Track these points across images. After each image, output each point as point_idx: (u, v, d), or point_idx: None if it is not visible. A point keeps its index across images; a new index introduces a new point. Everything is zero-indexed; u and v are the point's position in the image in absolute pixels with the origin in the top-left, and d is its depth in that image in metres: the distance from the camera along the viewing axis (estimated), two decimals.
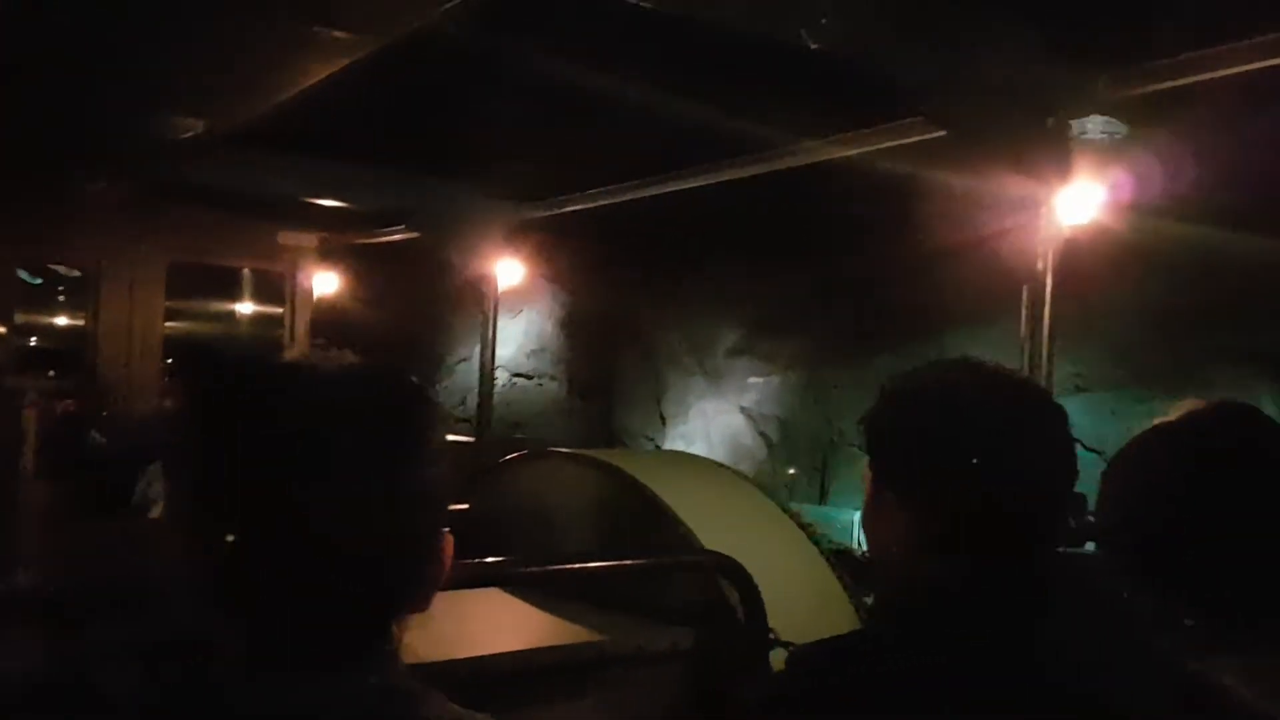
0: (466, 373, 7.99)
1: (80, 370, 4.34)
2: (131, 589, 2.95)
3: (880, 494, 1.42)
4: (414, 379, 1.17)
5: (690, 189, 4.84)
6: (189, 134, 3.98)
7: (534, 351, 7.92)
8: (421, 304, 7.99)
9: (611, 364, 7.22)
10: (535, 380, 8.35)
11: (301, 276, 6.90)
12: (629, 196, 5.23)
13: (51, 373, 3.50)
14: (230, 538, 1.05)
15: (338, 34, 2.99)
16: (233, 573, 1.05)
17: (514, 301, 7.21)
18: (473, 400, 7.06)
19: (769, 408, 7.07)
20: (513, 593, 3.65)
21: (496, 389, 6.89)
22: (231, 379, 1.11)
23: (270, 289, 7.20)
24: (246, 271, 7.37)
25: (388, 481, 1.09)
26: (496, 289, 6.10)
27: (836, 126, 4.14)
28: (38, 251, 6.19)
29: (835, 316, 6.54)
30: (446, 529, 1.15)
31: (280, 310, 7.12)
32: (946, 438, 1.37)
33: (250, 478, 1.05)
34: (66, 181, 5.17)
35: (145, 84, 3.62)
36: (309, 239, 6.84)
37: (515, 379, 8.02)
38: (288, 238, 6.74)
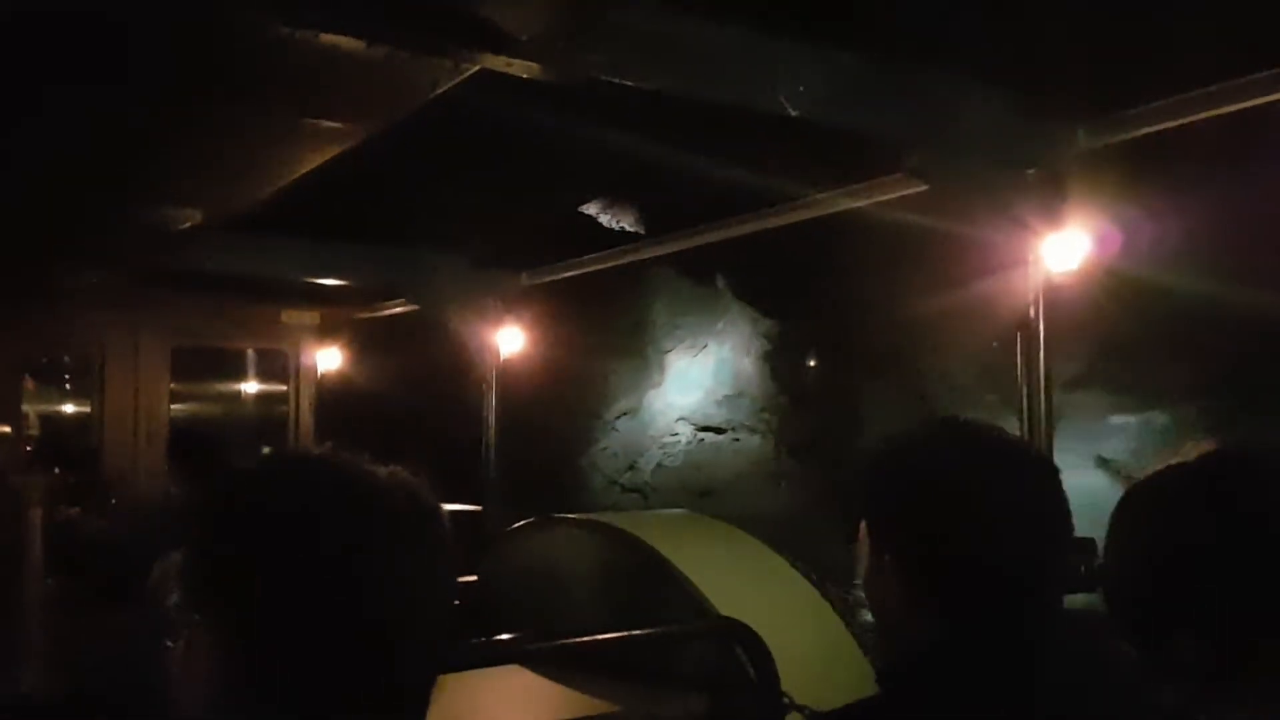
0: (634, 429, 6.28)
1: (87, 464, 4.36)
2: (135, 688, 2.94)
3: (877, 556, 1.43)
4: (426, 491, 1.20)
5: None
6: (186, 224, 4.05)
7: (728, 398, 5.79)
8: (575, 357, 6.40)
9: (849, 409, 5.16)
10: (730, 435, 6.22)
11: (304, 354, 6.96)
12: (627, 260, 5.29)
13: (57, 469, 3.52)
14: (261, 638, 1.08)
15: (330, 124, 3.06)
16: (262, 670, 1.08)
17: (696, 332, 5.85)
18: (646, 463, 6.03)
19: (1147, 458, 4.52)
20: (526, 664, 3.64)
21: (678, 446, 5.86)
22: (265, 489, 1.14)
23: (274, 367, 7.26)
24: (250, 351, 7.44)
25: (418, 585, 1.13)
26: (499, 358, 6.14)
27: (829, 183, 4.20)
28: (41, 348, 6.27)
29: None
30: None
31: (284, 388, 7.16)
32: (935, 499, 1.39)
33: (290, 584, 1.08)
34: (66, 274, 5.24)
35: (141, 178, 3.70)
36: (310, 316, 6.90)
37: (702, 434, 5.93)
38: (289, 316, 6.81)
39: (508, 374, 6.11)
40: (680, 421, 6.01)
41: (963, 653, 1.34)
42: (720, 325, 5.72)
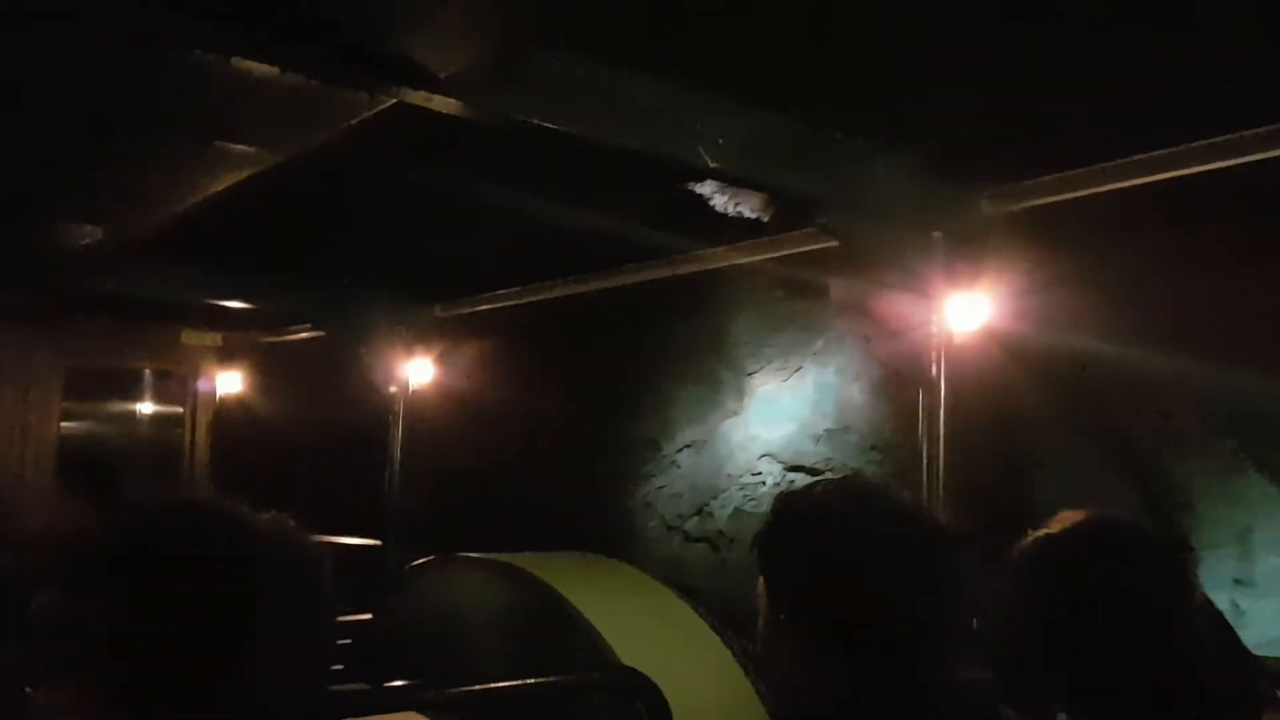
0: (703, 466, 5.01)
1: None
2: None
3: (772, 613, 1.44)
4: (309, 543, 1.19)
5: None
6: (86, 241, 3.91)
7: (829, 432, 4.56)
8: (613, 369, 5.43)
9: (996, 454, 3.68)
10: (829, 478, 3.91)
11: (204, 377, 6.77)
12: (539, 297, 5.29)
13: None
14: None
15: (239, 148, 3.00)
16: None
17: (789, 352, 4.59)
18: (721, 507, 4.86)
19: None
20: (422, 711, 3.55)
21: (762, 489, 4.68)
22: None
23: (172, 389, 7.03)
24: (147, 372, 7.19)
25: (293, 636, 1.11)
26: (407, 389, 6.05)
27: (741, 234, 4.27)
28: None
29: None
30: None
31: (181, 410, 6.95)
32: (828, 563, 1.40)
33: (165, 637, 1.05)
34: None
35: (39, 193, 3.56)
36: (212, 339, 6.73)
37: (793, 474, 4.66)
38: (190, 338, 6.63)
39: (425, 405, 5.98)
40: (765, 459, 4.76)
41: (845, 716, 1.35)
42: (820, 345, 4.59)
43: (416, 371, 5.95)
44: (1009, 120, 3.02)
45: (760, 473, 4.78)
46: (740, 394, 4.89)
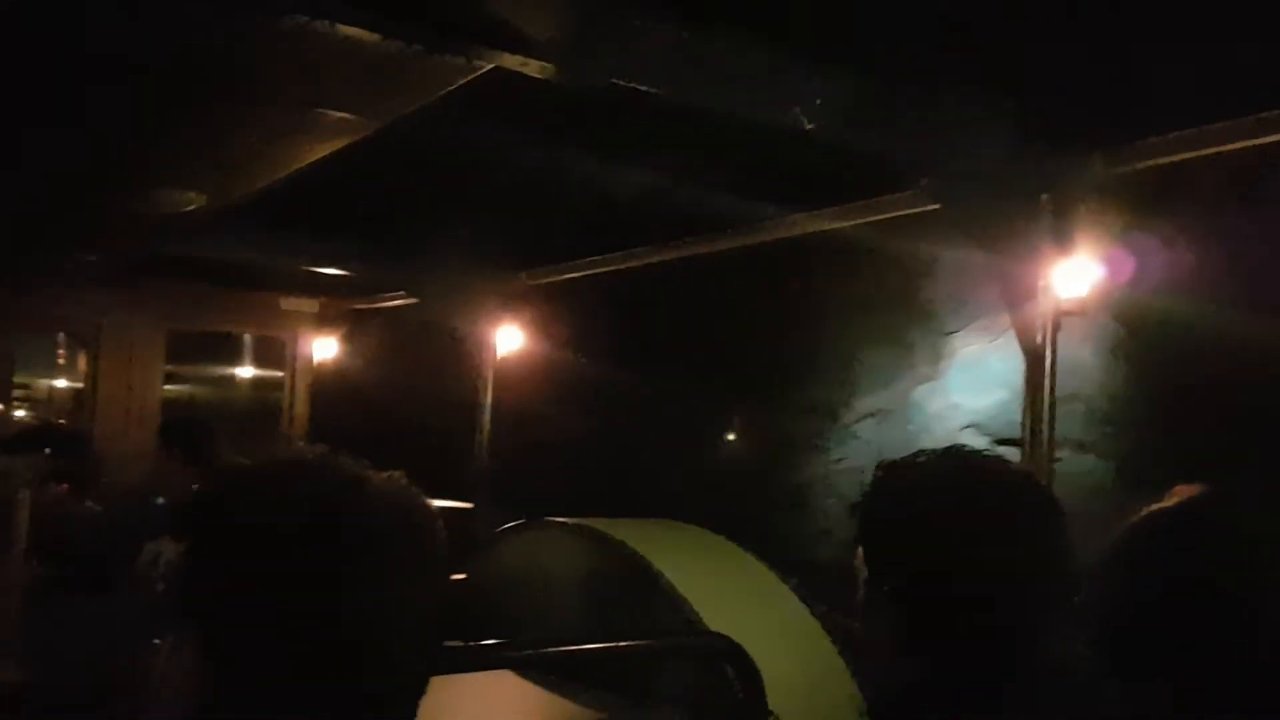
0: (890, 438, 4.48)
1: (77, 446, 4.32)
2: (113, 679, 2.90)
3: (872, 584, 1.41)
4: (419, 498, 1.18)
5: None
6: (189, 208, 4.02)
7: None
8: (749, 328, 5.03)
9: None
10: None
11: (302, 342, 6.93)
12: (628, 265, 5.26)
13: (48, 450, 3.49)
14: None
15: (339, 115, 3.04)
16: (238, 677, 1.06)
17: (998, 308, 3.81)
18: None
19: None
20: (519, 672, 3.61)
21: None
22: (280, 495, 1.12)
23: (271, 354, 7.23)
24: (247, 337, 7.41)
25: (404, 596, 1.11)
26: (495, 356, 6.12)
27: (837, 199, 4.19)
28: (36, 324, 6.23)
29: None
30: None
31: (280, 374, 7.14)
32: (925, 531, 1.37)
33: (272, 593, 1.06)
34: (65, 253, 5.21)
35: (144, 161, 3.66)
36: (309, 305, 6.88)
37: (1003, 448, 3.92)
38: (289, 304, 6.78)
39: (515, 371, 6.01)
40: (968, 430, 4.18)
41: (943, 695, 1.32)
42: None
43: (506, 337, 6.01)
44: (1120, 78, 2.89)
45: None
46: (936, 356, 4.38)
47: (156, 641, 1.15)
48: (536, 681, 3.68)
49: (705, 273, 5.05)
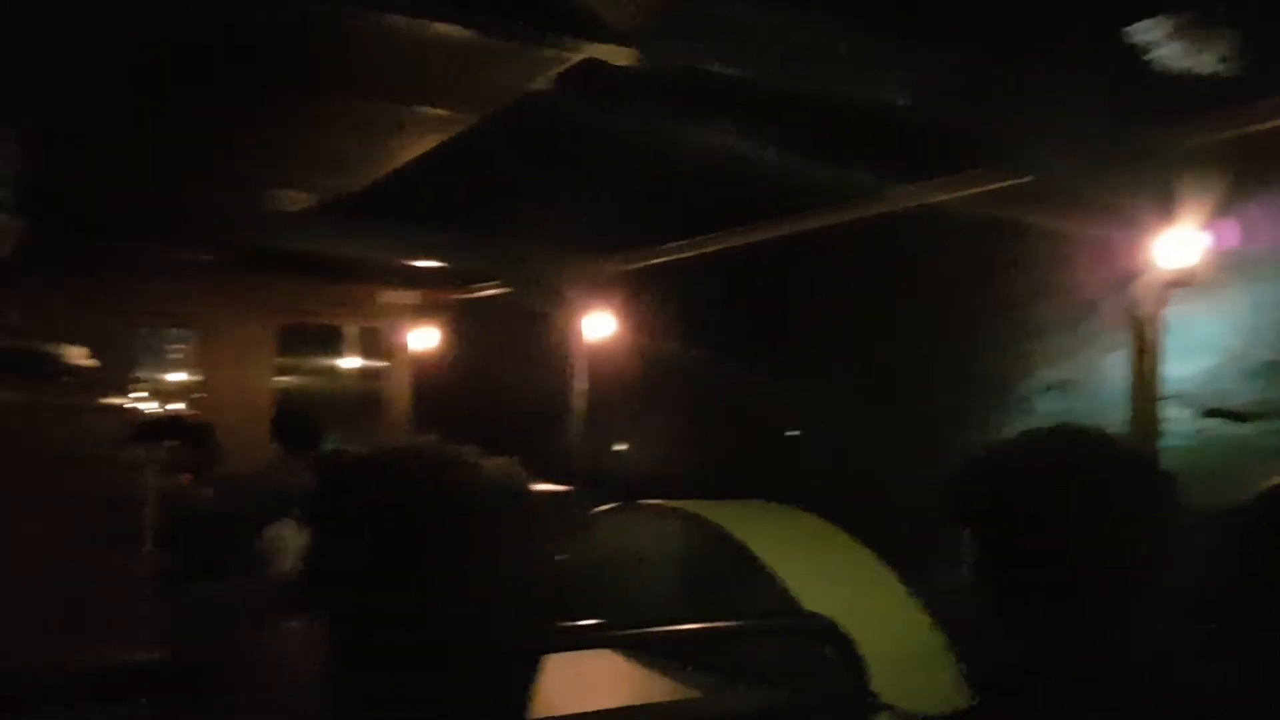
0: (1077, 412, 3.98)
1: (198, 435, 4.54)
2: (236, 660, 3.05)
3: (976, 564, 1.41)
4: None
5: None
6: (297, 206, 4.18)
7: (1269, 366, 3.53)
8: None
9: None
10: (1266, 425, 3.82)
11: (401, 332, 7.11)
12: (717, 247, 5.26)
13: (171, 442, 3.67)
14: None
15: (437, 112, 3.12)
16: (359, 654, 1.12)
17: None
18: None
19: None
20: (618, 651, 3.67)
21: (1166, 441, 3.54)
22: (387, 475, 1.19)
23: (372, 345, 7.45)
24: (349, 329, 7.66)
25: (516, 577, 1.16)
26: (588, 341, 6.20)
27: (926, 174, 4.13)
28: (154, 319, 6.55)
29: None
30: None
31: (381, 364, 7.34)
32: (1029, 511, 1.36)
33: (391, 574, 1.11)
34: (181, 251, 5.47)
35: (256, 163, 3.82)
36: (409, 296, 7.05)
37: (1208, 420, 3.68)
38: (388, 295, 6.96)
39: (612, 355, 6.07)
40: (1171, 401, 3.56)
41: (1051, 675, 1.31)
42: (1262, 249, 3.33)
43: (599, 322, 6.08)
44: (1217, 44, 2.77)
45: (1163, 420, 3.49)
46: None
47: (289, 623, 1.21)
48: (634, 660, 3.74)
49: (820, 249, 4.93)
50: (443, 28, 2.55)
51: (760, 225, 4.95)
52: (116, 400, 2.99)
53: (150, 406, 7.13)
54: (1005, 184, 3.71)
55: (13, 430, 2.52)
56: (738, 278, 5.58)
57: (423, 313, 7.13)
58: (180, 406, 6.59)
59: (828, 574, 3.96)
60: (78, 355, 2.87)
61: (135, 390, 6.38)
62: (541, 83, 2.97)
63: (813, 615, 3.23)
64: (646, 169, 4.34)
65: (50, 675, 2.32)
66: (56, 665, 2.39)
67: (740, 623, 3.23)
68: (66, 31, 2.63)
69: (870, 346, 5.02)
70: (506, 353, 7.00)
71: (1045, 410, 4.29)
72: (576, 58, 2.77)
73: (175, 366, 7.54)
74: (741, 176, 4.36)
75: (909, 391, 4.84)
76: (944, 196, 4.13)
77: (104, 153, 3.54)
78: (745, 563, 3.93)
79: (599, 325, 6.08)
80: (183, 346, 7.67)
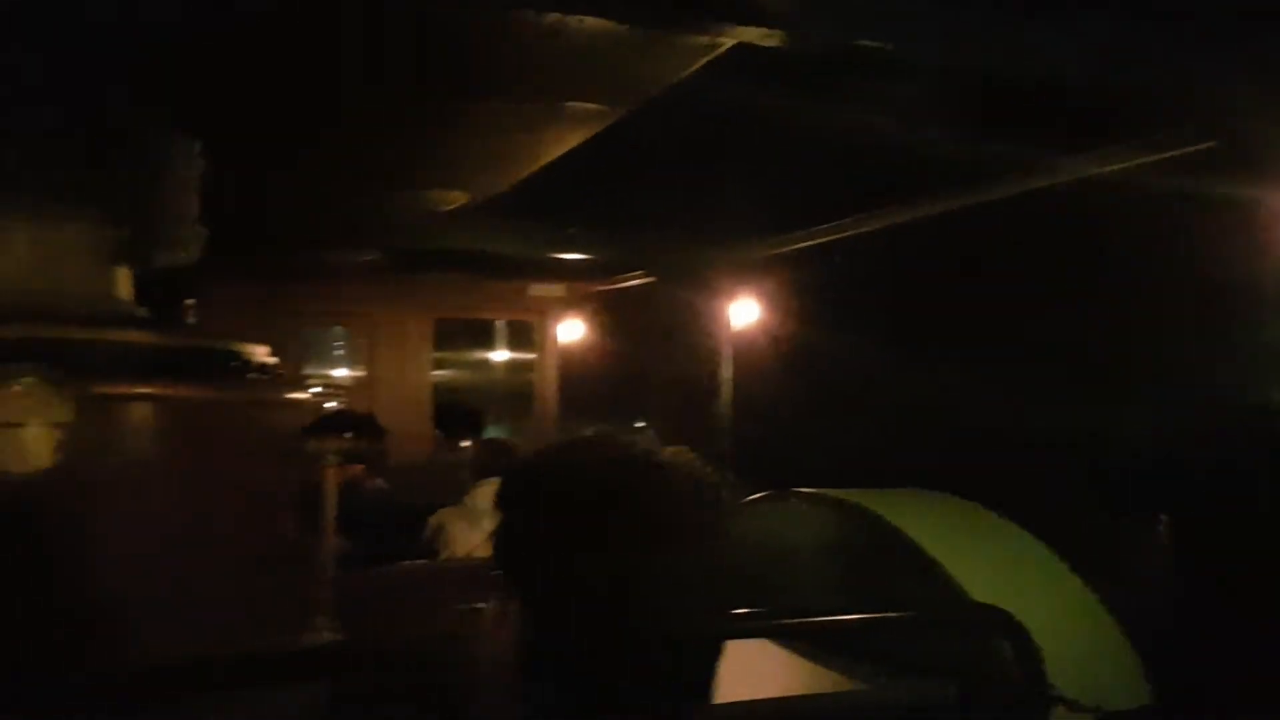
0: None
1: (370, 428, 4.75)
2: (416, 641, 3.17)
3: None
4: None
5: None
6: (453, 206, 4.30)
7: None
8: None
9: None
10: None
11: (550, 325, 7.25)
12: (871, 227, 5.13)
13: (348, 434, 3.86)
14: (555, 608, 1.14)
15: (589, 106, 3.15)
16: (549, 640, 1.14)
17: None
18: None
19: None
20: (777, 641, 3.65)
21: None
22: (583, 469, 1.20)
23: (522, 337, 7.63)
24: (499, 322, 7.86)
25: (709, 559, 1.17)
26: (733, 328, 6.17)
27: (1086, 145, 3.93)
28: (321, 318, 6.89)
29: None
30: None
31: (531, 356, 7.50)
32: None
33: (579, 561, 1.13)
34: (345, 251, 5.73)
35: (414, 165, 3.95)
36: (556, 289, 7.18)
37: None
38: (536, 289, 7.11)
39: (757, 342, 6.03)
40: None
41: (1237, 671, 1.22)
42: None
43: (744, 309, 6.05)
44: None
45: None
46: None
47: (479, 605, 1.25)
48: (793, 651, 3.70)
49: (975, 228, 4.77)
50: (595, 22, 2.57)
51: (913, 205, 4.80)
52: (296, 396, 3.15)
53: (322, 402, 7.48)
54: (1179, 152, 3.50)
55: (208, 424, 2.69)
56: (887, 260, 5.45)
57: (570, 305, 7.25)
58: (347, 401, 6.89)
59: (995, 564, 3.82)
60: (261, 354, 3.03)
61: (308, 386, 6.72)
62: (690, 71, 2.96)
63: (985, 606, 3.13)
64: (795, 153, 4.28)
65: (242, 656, 2.46)
66: (248, 646, 2.52)
67: (909, 614, 3.15)
68: (242, 46, 2.77)
69: (1034, 328, 4.80)
70: (653, 342, 7.04)
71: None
72: (728, 43, 2.75)
73: (339, 363, 7.89)
74: (891, 156, 4.25)
75: (1082, 376, 4.54)
76: (1109, 168, 3.92)
77: (275, 161, 3.72)
78: (906, 552, 3.83)
79: (746, 312, 6.05)
80: (344, 343, 8.02)
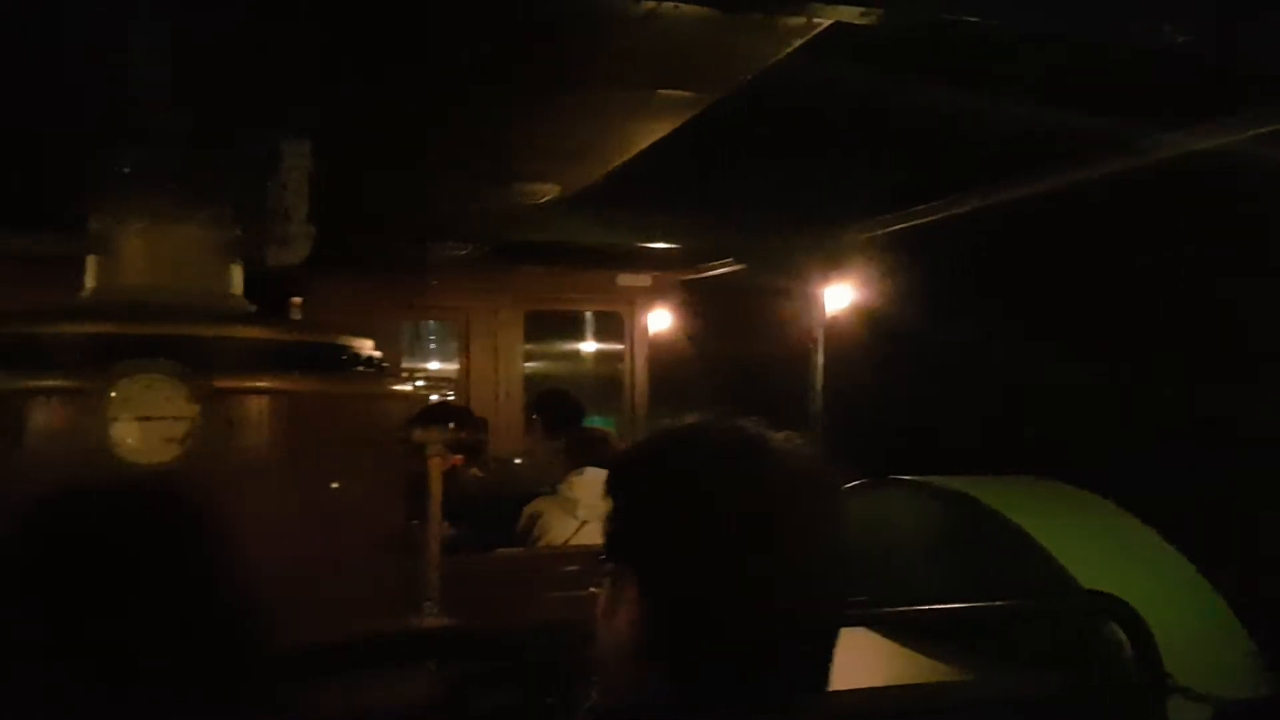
0: None
1: (471, 420, 4.85)
2: (516, 622, 3.23)
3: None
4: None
5: None
6: (544, 199, 4.35)
7: None
8: None
9: None
10: None
11: (638, 315, 7.28)
12: (970, 208, 5.02)
13: (451, 424, 3.94)
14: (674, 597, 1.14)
15: (681, 94, 3.16)
16: (664, 623, 1.15)
17: None
18: None
19: None
20: (878, 630, 3.62)
21: None
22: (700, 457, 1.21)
23: (610, 328, 7.67)
24: (588, 313, 7.92)
25: (825, 546, 1.17)
26: (826, 315, 6.11)
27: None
28: (417, 312, 7.04)
29: None
30: None
31: (620, 347, 7.54)
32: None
33: (694, 545, 1.14)
34: (440, 247, 5.84)
35: (508, 160, 4.01)
36: (642, 279, 7.21)
37: None
38: (624, 280, 7.14)
39: (851, 329, 5.96)
40: None
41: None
42: None
43: (836, 295, 5.98)
44: None
45: None
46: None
47: (593, 589, 1.26)
48: (894, 640, 3.66)
49: (1078, 207, 4.65)
50: (690, 7, 2.56)
51: (1013, 184, 4.67)
52: (401, 388, 3.23)
53: (426, 395, 7.65)
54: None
55: (322, 416, 2.78)
56: (986, 240, 5.32)
57: (658, 295, 7.26)
58: (448, 393, 7.04)
59: (1105, 550, 3.72)
60: (367, 347, 3.12)
61: (409, 379, 6.89)
62: (785, 53, 2.93)
63: (1096, 594, 3.05)
64: (890, 134, 4.21)
65: (353, 641, 2.54)
66: (359, 632, 2.59)
67: (1017, 602, 3.10)
68: (346, 47, 2.85)
69: (1156, 308, 4.66)
70: (741, 330, 7.01)
71: None
72: (824, 23, 2.72)
73: (433, 356, 8.05)
74: (990, 135, 4.15)
75: (1207, 359, 4.40)
76: (1221, 141, 3.77)
77: (376, 159, 3.81)
78: (1011, 539, 3.76)
79: (839, 296, 5.98)
80: (435, 337, 8.17)
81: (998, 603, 2.95)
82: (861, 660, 3.57)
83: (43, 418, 2.50)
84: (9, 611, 1.02)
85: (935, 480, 4.40)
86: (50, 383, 2.49)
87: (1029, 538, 3.61)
